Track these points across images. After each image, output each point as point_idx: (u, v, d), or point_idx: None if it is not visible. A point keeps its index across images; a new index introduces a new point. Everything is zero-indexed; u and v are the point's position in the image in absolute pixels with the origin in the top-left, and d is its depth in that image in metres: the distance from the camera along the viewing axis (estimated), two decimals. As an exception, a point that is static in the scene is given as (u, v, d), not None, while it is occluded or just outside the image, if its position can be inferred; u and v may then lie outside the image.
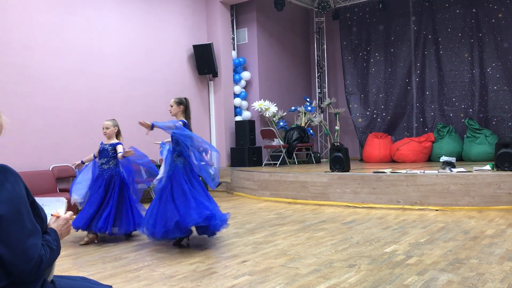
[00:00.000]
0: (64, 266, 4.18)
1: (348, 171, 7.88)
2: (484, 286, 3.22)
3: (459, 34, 10.53)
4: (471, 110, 10.43)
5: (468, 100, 10.49)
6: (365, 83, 11.72)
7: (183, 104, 5.10)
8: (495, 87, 10.16)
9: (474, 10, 10.36)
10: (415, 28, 11.09)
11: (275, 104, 11.19)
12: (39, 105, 7.40)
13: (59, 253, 1.53)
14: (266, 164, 10.72)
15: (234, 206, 7.84)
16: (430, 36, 10.92)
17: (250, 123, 10.77)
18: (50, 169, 7.44)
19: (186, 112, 5.11)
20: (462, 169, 7.04)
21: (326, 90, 13.18)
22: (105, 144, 5.44)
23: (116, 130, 5.53)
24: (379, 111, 11.57)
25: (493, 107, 10.19)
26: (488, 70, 10.23)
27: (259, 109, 11.05)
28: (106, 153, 5.37)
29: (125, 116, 8.79)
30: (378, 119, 11.58)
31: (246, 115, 11.36)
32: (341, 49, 12.05)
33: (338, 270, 3.74)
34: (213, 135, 10.89)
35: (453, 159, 7.54)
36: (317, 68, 13.19)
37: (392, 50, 11.40)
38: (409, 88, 11.23)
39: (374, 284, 3.34)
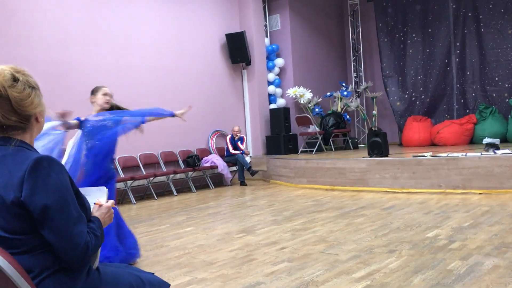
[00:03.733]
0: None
1: (387, 156, 7.73)
2: (532, 270, 3.10)
3: (502, 10, 10.07)
4: (515, 89, 10.01)
5: (512, 79, 10.06)
6: (403, 65, 11.41)
7: None
8: (541, 64, 9.71)
9: (517, -16, 9.88)
10: (454, 6, 10.68)
11: (310, 90, 11.09)
12: (79, 99, 7.59)
13: (103, 240, 1.57)
14: (302, 152, 10.67)
15: (271, 194, 7.85)
16: (470, 14, 10.50)
17: (285, 110, 10.72)
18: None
19: None
20: (507, 151, 6.78)
21: (362, 74, 12.94)
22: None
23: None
24: (418, 94, 11.26)
25: (540, 85, 9.74)
26: (534, 46, 9.77)
27: (294, 96, 10.98)
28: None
29: (161, 106, 8.93)
30: (417, 102, 11.28)
31: (281, 102, 11.31)
32: (377, 31, 11.77)
33: (379, 256, 3.69)
34: (248, 123, 10.91)
35: (496, 141, 7.27)
36: (353, 52, 12.96)
37: (430, 30, 11.04)
38: (449, 69, 10.87)
39: (416, 269, 3.28)
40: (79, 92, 7.63)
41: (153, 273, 1.85)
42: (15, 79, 1.48)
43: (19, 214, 1.41)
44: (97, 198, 1.68)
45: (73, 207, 1.46)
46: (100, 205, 1.66)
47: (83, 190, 1.62)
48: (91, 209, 1.63)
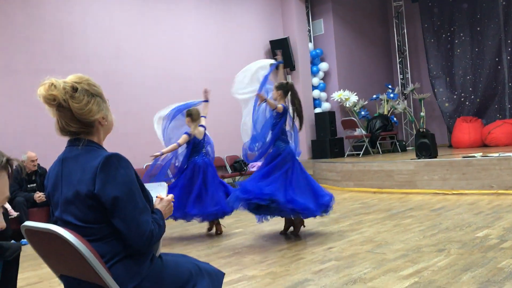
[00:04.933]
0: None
1: (435, 157, 7.62)
2: None
3: (555, 4, 9.70)
4: None
5: None
6: (450, 65, 11.17)
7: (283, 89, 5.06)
8: None
9: None
10: (504, 3, 10.36)
11: (355, 93, 11.05)
12: (129, 109, 7.98)
13: (164, 230, 1.74)
14: (348, 155, 10.64)
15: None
16: (521, 10, 10.17)
17: (330, 114, 10.75)
18: (144, 167, 8.00)
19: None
20: None
21: (408, 75, 12.75)
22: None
23: (188, 119, 5.44)
24: (467, 94, 10.97)
25: None
26: None
27: (339, 100, 10.98)
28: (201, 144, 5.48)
29: (208, 115, 9.20)
30: (467, 102, 10.99)
31: (326, 106, 11.34)
32: (423, 32, 11.58)
33: (427, 255, 3.70)
34: (294, 128, 11.00)
35: (552, 139, 7.01)
36: (398, 54, 12.80)
37: (478, 28, 10.75)
38: (500, 67, 10.53)
39: (465, 268, 3.28)
40: (130, 101, 8.03)
41: (209, 263, 2.00)
42: (75, 89, 1.66)
43: (92, 206, 1.61)
44: (159, 192, 1.86)
45: (139, 199, 1.64)
46: (161, 199, 1.83)
47: (146, 185, 1.80)
48: (154, 202, 1.81)
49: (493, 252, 3.60)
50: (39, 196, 6.09)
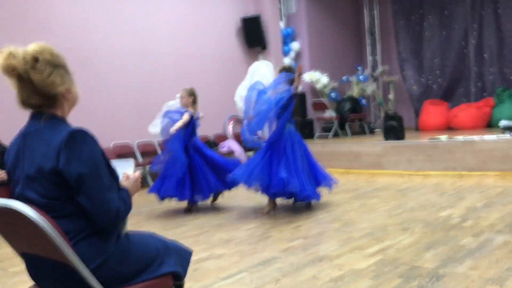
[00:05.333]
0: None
1: (402, 139, 7.77)
2: (543, 246, 3.18)
3: (521, -9, 9.92)
4: (534, 71, 9.89)
5: (531, 61, 9.94)
6: (419, 48, 11.33)
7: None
8: (561, 46, 9.57)
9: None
10: (472, -13, 10.54)
11: (326, 74, 11.09)
12: (97, 85, 7.78)
13: (131, 208, 1.71)
14: (318, 136, 10.73)
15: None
16: (488, -5, 10.36)
17: (300, 95, 10.76)
18: (111, 146, 7.85)
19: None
20: (523, 133, 6.77)
21: (378, 57, 12.87)
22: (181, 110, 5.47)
23: (191, 99, 5.45)
24: (435, 77, 11.18)
25: (559, 67, 9.61)
26: (554, 27, 9.62)
27: (310, 81, 11.01)
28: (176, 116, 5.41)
29: (177, 92, 9.07)
30: (434, 86, 11.21)
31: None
32: (393, 14, 11.66)
33: (392, 233, 3.79)
34: (265, 108, 10.99)
35: (513, 123, 7.25)
36: (368, 35, 12.88)
37: (446, 12, 10.91)
38: (466, 51, 10.75)
39: (428, 245, 3.38)
40: (99, 78, 7.83)
41: (176, 241, 1.99)
42: (36, 59, 1.57)
43: (56, 182, 1.55)
44: (126, 169, 1.82)
45: (105, 176, 1.60)
46: (128, 176, 1.79)
47: (113, 162, 1.75)
48: (120, 180, 1.76)
49: (455, 231, 3.72)
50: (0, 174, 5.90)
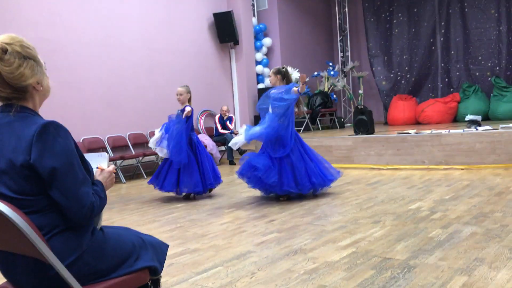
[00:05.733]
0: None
1: (372, 133, 7.90)
2: (507, 236, 3.29)
3: (485, -10, 10.22)
4: (497, 68, 10.21)
5: (494, 58, 10.26)
6: (389, 44, 11.54)
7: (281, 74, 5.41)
8: (523, 43, 9.91)
9: (501, -37, 10.00)
10: (439, -14, 10.78)
11: (297, 70, 11.15)
12: (65, 79, 7.61)
13: (105, 202, 1.68)
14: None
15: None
16: (455, -6, 10.63)
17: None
18: (81, 141, 7.70)
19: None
20: (488, 127, 6.99)
21: (348, 53, 13.03)
22: (178, 110, 5.77)
23: (189, 97, 5.78)
24: (403, 73, 11.42)
25: (521, 64, 9.96)
26: (516, 26, 9.95)
27: (282, 76, 11.03)
28: (179, 118, 5.65)
29: (149, 86, 8.97)
30: (402, 81, 11.44)
31: (269, 82, 11.35)
32: (363, 11, 11.84)
33: (364, 226, 3.86)
34: (236, 103, 10.99)
35: (478, 117, 7.48)
36: (339, 32, 13.02)
37: (415, 10, 11.14)
38: (434, 48, 11.02)
39: (399, 237, 3.45)
40: (66, 71, 7.65)
41: (152, 235, 1.97)
42: (4, 51, 1.53)
43: (28, 176, 1.51)
44: (99, 163, 1.78)
45: (78, 170, 1.57)
46: (102, 170, 1.76)
47: (86, 156, 1.72)
48: (94, 173, 1.73)
49: (424, 223, 3.82)
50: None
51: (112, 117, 8.28)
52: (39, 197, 1.54)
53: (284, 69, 5.42)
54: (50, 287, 1.56)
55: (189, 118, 5.65)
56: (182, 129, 5.58)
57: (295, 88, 5.17)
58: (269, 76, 5.78)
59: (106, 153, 1.84)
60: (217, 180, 5.82)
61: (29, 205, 1.53)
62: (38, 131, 1.51)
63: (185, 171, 5.56)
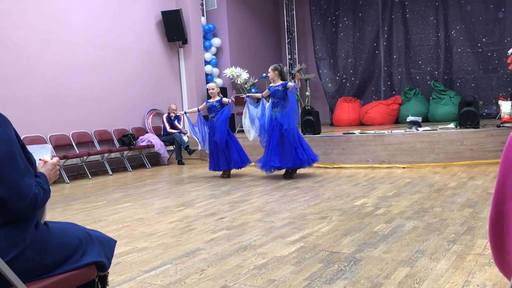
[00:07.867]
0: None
1: (319, 133, 8.07)
2: (446, 229, 3.47)
3: (425, -3, 10.71)
4: (436, 72, 10.73)
5: (433, 63, 10.77)
6: (334, 48, 11.84)
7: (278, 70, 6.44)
8: (459, 50, 10.46)
9: (439, -27, 10.52)
10: (382, -9, 11.19)
11: (246, 70, 11.22)
12: (7, 75, 7.25)
13: (49, 195, 1.61)
14: (239, 131, 10.82)
15: (207, 172, 7.93)
16: (397, 0, 11.07)
17: (222, 90, 10.75)
18: (22, 138, 7.34)
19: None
20: (427, 128, 7.32)
21: (296, 56, 13.24)
22: (213, 102, 6.92)
23: (218, 90, 7.01)
24: (348, 76, 11.75)
25: (457, 69, 10.51)
26: (453, 32, 10.49)
27: (231, 76, 11.06)
28: (215, 109, 6.87)
29: (94, 84, 8.70)
30: (347, 84, 11.78)
31: (218, 82, 11.35)
32: (310, 14, 12.09)
33: (311, 222, 3.94)
34: (185, 102, 10.89)
35: (419, 119, 7.82)
36: (287, 34, 13.21)
37: (360, 14, 11.51)
38: (377, 52, 11.42)
39: (345, 232, 3.55)
40: (5, 65, 7.27)
41: (99, 231, 1.92)
42: None
43: (-34, 168, 1.43)
44: (42, 155, 1.71)
45: (20, 160, 1.50)
46: (46, 162, 1.69)
47: (28, 147, 1.65)
48: (37, 165, 1.66)
49: (369, 218, 3.95)
50: None
51: (54, 115, 7.97)
52: (-22, 189, 1.46)
53: (280, 67, 6.48)
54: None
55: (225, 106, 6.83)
56: (228, 115, 6.80)
57: (290, 83, 6.28)
58: (268, 72, 6.63)
59: (49, 145, 1.78)
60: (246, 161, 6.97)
61: (-33, 198, 1.45)
62: (-22, 121, 1.43)
63: (229, 150, 6.81)
